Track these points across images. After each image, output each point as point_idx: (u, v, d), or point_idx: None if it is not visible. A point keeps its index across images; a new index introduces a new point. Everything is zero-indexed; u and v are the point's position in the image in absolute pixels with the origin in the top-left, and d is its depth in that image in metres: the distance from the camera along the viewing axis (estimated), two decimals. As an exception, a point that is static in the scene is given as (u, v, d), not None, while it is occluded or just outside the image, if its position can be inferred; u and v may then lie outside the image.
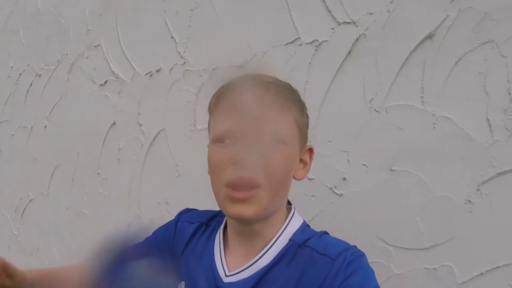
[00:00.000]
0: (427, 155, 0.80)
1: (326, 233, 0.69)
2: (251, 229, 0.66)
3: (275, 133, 0.62)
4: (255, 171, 0.60)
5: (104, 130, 1.40)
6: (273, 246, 0.65)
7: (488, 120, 0.74)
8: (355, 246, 0.64)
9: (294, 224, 0.68)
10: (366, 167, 0.87)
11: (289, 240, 0.66)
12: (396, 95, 0.83)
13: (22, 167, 1.85)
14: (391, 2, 0.82)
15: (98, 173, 1.41)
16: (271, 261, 0.64)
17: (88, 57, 1.49)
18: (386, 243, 0.84)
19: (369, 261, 0.63)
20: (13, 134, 1.91)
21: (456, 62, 0.77)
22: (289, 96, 0.66)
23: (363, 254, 0.63)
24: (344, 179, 0.89)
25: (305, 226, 0.70)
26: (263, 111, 0.61)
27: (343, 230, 0.85)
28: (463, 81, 0.77)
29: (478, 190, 0.75)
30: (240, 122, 0.61)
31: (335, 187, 0.90)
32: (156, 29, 1.24)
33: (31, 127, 1.78)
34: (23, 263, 1.85)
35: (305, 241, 0.65)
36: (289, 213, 0.70)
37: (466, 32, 0.76)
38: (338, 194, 0.90)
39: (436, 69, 0.79)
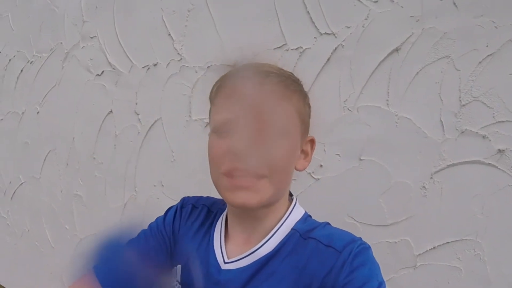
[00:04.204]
0: (390, 148, 0.91)
1: (328, 224, 0.66)
2: (253, 215, 0.63)
3: (275, 123, 0.58)
4: (254, 163, 0.56)
5: (100, 118, 1.45)
6: (274, 235, 0.62)
7: (441, 121, 0.86)
8: (360, 238, 0.60)
9: (296, 214, 0.65)
10: (339, 156, 0.96)
11: (291, 229, 0.63)
12: (366, 97, 0.93)
13: (12, 151, 1.85)
14: (366, 19, 0.92)
15: (94, 158, 1.47)
16: (272, 250, 0.61)
17: (83, 48, 1.53)
18: (354, 220, 0.95)
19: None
20: (1, 119, 1.90)
21: (417, 73, 0.88)
22: (291, 86, 0.62)
23: (369, 246, 0.59)
24: (321, 166, 0.99)
25: (306, 217, 0.67)
26: (263, 100, 0.58)
27: (319, 209, 0.95)
28: (422, 88, 0.88)
29: (431, 178, 0.87)
30: (239, 112, 0.57)
31: (313, 172, 1.00)
32: (153, 26, 1.30)
33: (22, 113, 1.78)
34: (12, 245, 1.87)
35: (308, 232, 0.62)
36: (291, 203, 0.67)
37: (427, 48, 0.87)
38: (315, 179, 0.99)
39: (400, 77, 0.89)
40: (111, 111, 1.42)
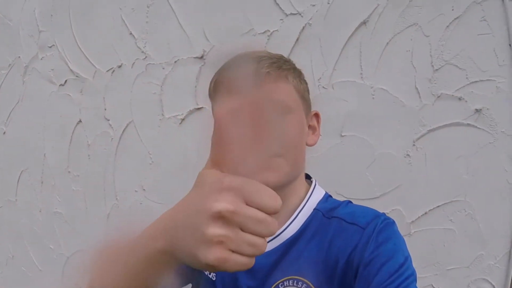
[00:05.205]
0: (369, 121, 0.91)
1: (350, 202, 0.67)
2: None
3: (278, 103, 0.60)
4: (268, 144, 0.55)
5: (70, 129, 1.39)
6: (298, 216, 0.63)
7: (416, 88, 0.87)
8: (384, 214, 0.61)
9: (317, 194, 0.66)
10: (320, 135, 0.96)
11: (314, 209, 0.64)
12: (340, 73, 0.93)
13: (-18, 176, 1.78)
14: (330, -6, 0.92)
15: (69, 171, 1.42)
16: (297, 231, 0.62)
17: (43, 58, 1.46)
18: (344, 196, 0.94)
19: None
20: (-34, 144, 1.83)
21: (387, 43, 0.88)
22: (283, 65, 0.63)
23: (393, 221, 0.60)
24: (303, 148, 0.99)
25: (328, 196, 0.68)
26: (261, 85, 0.59)
27: (307, 191, 0.96)
28: (394, 58, 0.88)
29: (414, 145, 0.88)
30: (242, 101, 0.56)
31: (296, 156, 1.00)
32: (113, 26, 1.26)
33: (-12, 135, 1.73)
34: (-4, 274, 1.80)
35: (331, 210, 0.63)
36: (310, 185, 0.68)
37: (394, 18, 0.87)
38: (300, 162, 0.99)
39: (371, 49, 0.90)
40: (80, 121, 1.37)
